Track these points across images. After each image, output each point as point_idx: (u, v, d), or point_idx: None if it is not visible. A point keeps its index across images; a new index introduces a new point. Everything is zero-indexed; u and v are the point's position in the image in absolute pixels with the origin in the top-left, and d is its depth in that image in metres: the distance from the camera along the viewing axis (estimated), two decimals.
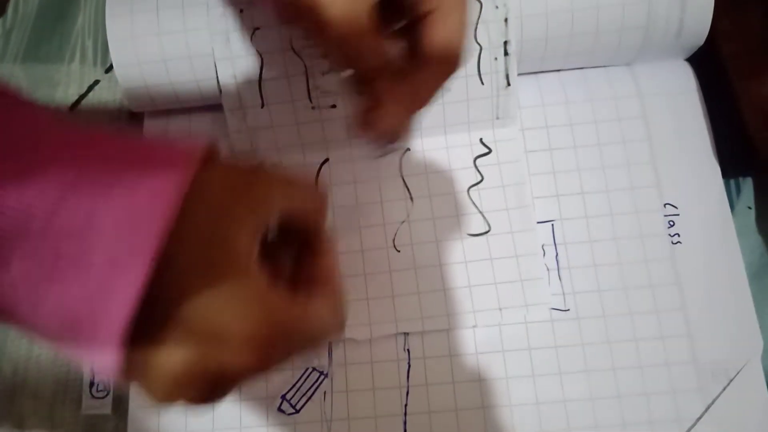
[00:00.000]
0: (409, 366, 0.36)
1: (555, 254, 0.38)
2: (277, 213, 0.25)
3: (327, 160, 0.40)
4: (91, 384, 0.37)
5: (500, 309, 0.37)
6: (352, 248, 0.38)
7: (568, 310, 0.37)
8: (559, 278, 0.37)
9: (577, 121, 0.40)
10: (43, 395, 0.37)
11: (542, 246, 0.38)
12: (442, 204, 0.39)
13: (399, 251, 0.38)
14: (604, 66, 0.41)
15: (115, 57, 0.38)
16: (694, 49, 0.40)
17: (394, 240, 0.38)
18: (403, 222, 0.39)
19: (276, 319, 0.23)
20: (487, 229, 0.38)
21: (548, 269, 0.38)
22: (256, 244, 0.23)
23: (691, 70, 0.41)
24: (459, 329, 0.37)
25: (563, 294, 0.37)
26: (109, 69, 0.43)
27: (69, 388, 0.37)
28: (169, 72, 0.38)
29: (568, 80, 0.40)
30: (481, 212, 0.38)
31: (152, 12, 0.38)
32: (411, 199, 0.39)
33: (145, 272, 0.20)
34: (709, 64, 0.40)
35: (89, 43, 0.44)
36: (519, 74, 0.39)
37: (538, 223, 0.38)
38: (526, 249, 0.38)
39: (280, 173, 0.26)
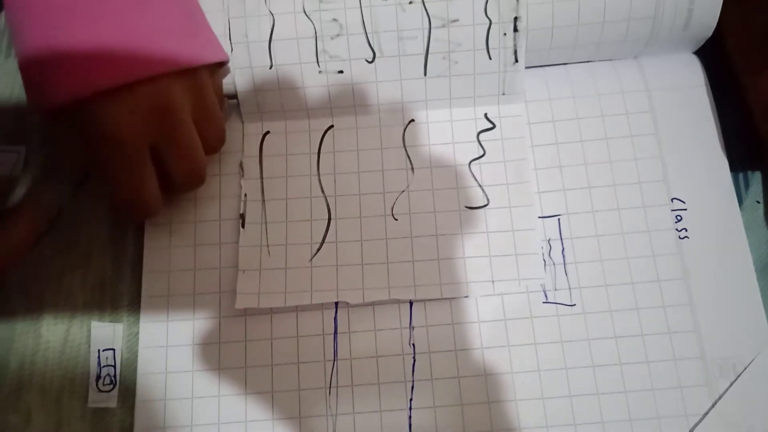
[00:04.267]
0: (414, 360, 0.36)
1: (561, 249, 0.38)
2: None
3: (331, 126, 0.40)
4: (98, 378, 0.37)
5: (493, 282, 0.37)
6: (350, 214, 0.38)
7: (575, 305, 0.37)
8: (566, 273, 0.37)
9: (584, 115, 0.39)
10: (50, 389, 0.37)
11: (548, 240, 0.38)
12: (443, 176, 0.39)
13: (396, 219, 0.38)
14: (611, 59, 0.40)
15: None
16: (702, 42, 0.39)
17: (392, 208, 0.38)
18: (403, 191, 0.39)
19: None
20: (485, 202, 0.38)
21: (554, 264, 0.37)
22: None
23: (699, 63, 0.40)
24: (455, 305, 0.37)
25: (569, 289, 0.37)
26: None
27: (75, 382, 0.37)
28: None
29: (575, 74, 0.40)
30: (480, 186, 0.39)
31: None
32: (412, 169, 0.39)
33: None
34: (717, 57, 0.40)
35: None
36: (526, 68, 0.39)
37: (545, 217, 0.38)
38: (523, 224, 0.38)
39: None
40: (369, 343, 0.37)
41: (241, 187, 0.39)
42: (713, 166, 0.38)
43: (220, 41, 0.38)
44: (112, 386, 0.37)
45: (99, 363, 0.37)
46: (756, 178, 0.39)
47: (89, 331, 0.38)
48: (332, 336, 0.37)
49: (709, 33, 0.38)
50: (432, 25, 0.37)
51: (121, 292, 0.39)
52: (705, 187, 0.38)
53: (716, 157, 0.39)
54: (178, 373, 0.37)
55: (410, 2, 0.37)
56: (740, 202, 0.38)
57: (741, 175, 0.39)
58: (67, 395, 0.37)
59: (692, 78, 0.40)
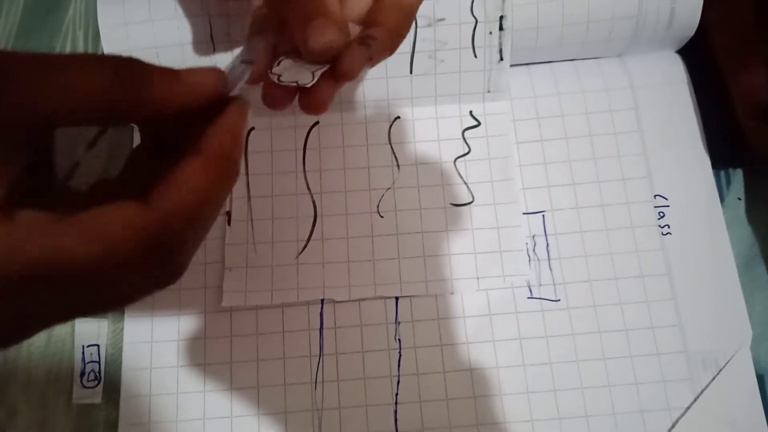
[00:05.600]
0: (400, 355, 0.36)
1: (546, 245, 0.38)
2: (33, 110, 0.19)
3: (317, 123, 0.40)
4: (82, 373, 0.37)
5: (478, 278, 0.37)
6: (336, 211, 0.39)
7: (559, 300, 0.37)
8: (550, 269, 0.38)
9: (569, 112, 0.40)
10: (35, 385, 0.37)
11: (533, 237, 0.38)
12: (428, 173, 0.39)
13: (382, 217, 0.38)
14: (595, 58, 0.41)
15: (106, 44, 0.37)
16: (685, 41, 0.40)
17: (378, 206, 0.39)
18: (389, 189, 0.39)
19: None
20: (470, 199, 0.39)
21: (539, 260, 0.38)
22: None
23: (681, 61, 0.41)
24: (440, 300, 0.37)
25: (554, 284, 0.37)
26: None
27: (60, 378, 0.37)
28: (161, 59, 0.38)
29: (560, 72, 0.41)
30: (465, 183, 0.39)
31: (144, 0, 0.38)
32: (398, 166, 0.39)
33: None
34: (699, 55, 0.40)
35: (80, 34, 0.44)
36: (511, 65, 0.39)
37: (530, 213, 0.38)
38: (508, 221, 0.38)
39: (9, 55, 0.19)
40: (355, 338, 0.37)
41: None
42: (696, 163, 0.39)
43: (203, 40, 0.37)
44: (96, 382, 0.37)
45: (84, 359, 0.37)
46: (737, 175, 0.39)
47: (74, 326, 0.38)
48: (318, 331, 0.37)
49: (692, 32, 0.39)
50: (418, 24, 0.37)
51: None
52: (687, 184, 0.39)
53: (699, 155, 0.39)
54: (163, 369, 0.37)
55: None
56: (722, 199, 0.39)
57: (723, 173, 0.39)
58: (52, 391, 0.37)
59: (675, 76, 0.40)
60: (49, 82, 0.19)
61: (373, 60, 0.27)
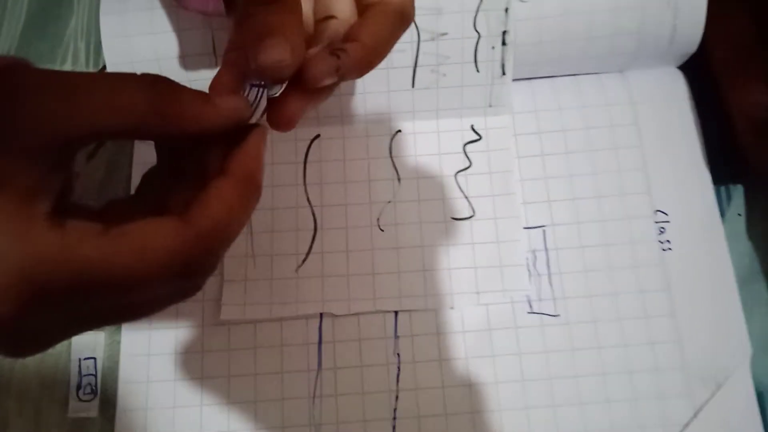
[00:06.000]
0: (399, 370, 0.36)
1: (546, 259, 0.38)
2: (74, 125, 0.20)
3: (318, 136, 0.40)
4: (78, 386, 0.36)
5: (478, 293, 0.37)
6: (336, 225, 0.38)
7: (558, 315, 0.37)
8: (550, 283, 0.37)
9: (570, 127, 0.40)
10: (29, 397, 0.36)
11: (533, 251, 0.38)
12: (429, 187, 0.39)
13: (383, 230, 0.38)
14: (596, 73, 0.41)
15: (108, 56, 0.37)
16: (687, 57, 0.40)
17: (378, 219, 0.38)
18: (389, 202, 0.39)
19: (41, 261, 0.19)
20: (471, 214, 0.38)
21: (539, 274, 0.38)
22: (21, 168, 0.19)
23: (682, 77, 0.41)
24: (440, 315, 0.37)
25: (553, 299, 0.37)
26: (102, 70, 0.43)
27: (55, 391, 0.37)
28: (162, 71, 0.38)
29: (561, 86, 0.41)
30: (466, 197, 0.39)
31: (146, 11, 0.38)
32: (398, 179, 0.39)
33: None
34: (700, 71, 0.40)
35: (82, 45, 0.44)
36: (513, 80, 0.39)
37: (530, 228, 0.38)
38: (508, 235, 0.38)
39: (54, 75, 0.20)
40: (353, 352, 0.37)
41: None
42: (696, 178, 0.39)
43: (205, 53, 0.37)
44: (92, 395, 0.36)
45: (80, 372, 0.37)
46: (738, 191, 0.40)
47: (70, 339, 0.37)
48: (316, 345, 0.37)
49: (694, 48, 0.39)
50: (421, 39, 0.37)
51: None
52: (688, 199, 0.39)
53: (699, 170, 0.39)
54: (160, 383, 0.36)
55: None
56: (722, 214, 0.39)
57: (723, 189, 0.39)
58: (47, 404, 0.36)
59: (676, 92, 0.40)
60: (92, 101, 0.20)
61: (341, 73, 0.26)
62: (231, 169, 0.23)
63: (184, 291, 0.24)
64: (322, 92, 0.27)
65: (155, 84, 0.21)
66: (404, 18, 0.28)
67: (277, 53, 0.23)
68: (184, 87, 0.22)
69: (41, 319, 0.20)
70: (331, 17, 0.27)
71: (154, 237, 0.21)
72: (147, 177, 0.26)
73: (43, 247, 0.19)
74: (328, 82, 0.25)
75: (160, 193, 0.24)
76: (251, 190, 0.24)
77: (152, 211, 0.22)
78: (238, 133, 0.24)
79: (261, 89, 0.25)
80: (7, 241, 0.19)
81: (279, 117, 0.26)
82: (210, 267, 0.23)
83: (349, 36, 0.27)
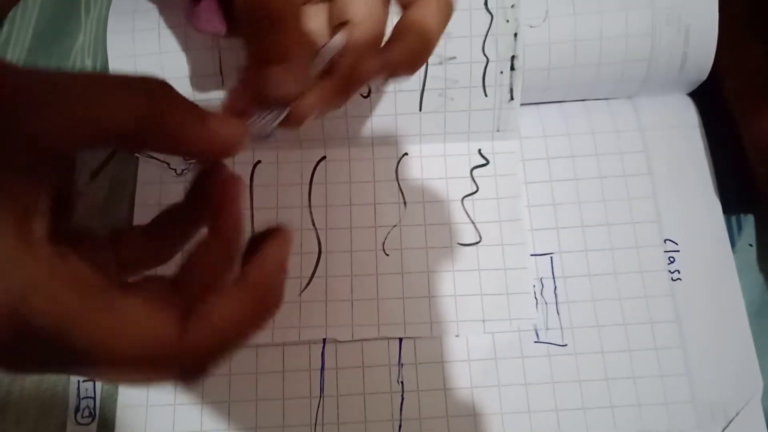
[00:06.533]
0: (403, 399, 0.36)
1: (554, 288, 0.37)
2: (63, 129, 0.18)
3: (324, 157, 0.40)
4: (77, 409, 0.36)
5: (484, 321, 0.36)
6: (341, 248, 0.38)
7: (566, 345, 0.36)
8: (557, 312, 0.37)
9: (579, 153, 0.39)
10: (27, 419, 0.36)
11: (541, 279, 0.37)
12: (435, 211, 0.39)
13: (388, 255, 0.38)
14: (606, 99, 0.40)
15: None
16: (697, 84, 0.40)
17: (384, 243, 0.38)
18: (395, 226, 0.38)
19: (32, 299, 0.17)
20: (478, 239, 0.38)
21: (546, 303, 0.37)
22: (12, 176, 0.17)
23: (693, 104, 0.40)
24: (445, 342, 0.36)
25: (561, 328, 0.37)
26: None
27: (53, 414, 0.36)
28: None
29: (570, 112, 0.40)
30: (473, 222, 0.38)
31: (154, 30, 0.37)
32: (404, 203, 0.39)
33: None
34: (711, 99, 0.40)
35: (89, 62, 0.44)
36: (521, 104, 0.39)
37: (537, 255, 0.38)
38: (515, 262, 0.37)
39: (42, 77, 0.18)
40: (356, 379, 0.36)
41: None
42: (706, 208, 0.38)
43: (212, 73, 0.37)
44: (91, 419, 0.36)
45: (78, 394, 0.36)
46: (749, 221, 0.39)
47: None
48: (319, 372, 0.36)
49: (704, 76, 0.38)
50: (429, 62, 0.37)
51: None
52: (698, 228, 0.38)
53: (709, 199, 0.38)
54: (160, 407, 0.36)
55: None
56: (733, 245, 0.38)
57: (734, 218, 0.39)
58: (44, 427, 0.36)
59: (686, 119, 0.40)
60: (86, 108, 0.18)
61: (390, 70, 0.26)
62: (247, 275, 0.21)
63: (179, 383, 0.21)
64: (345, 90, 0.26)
65: (152, 93, 0.20)
66: (449, 6, 0.27)
67: (280, 85, 0.23)
68: (183, 101, 0.21)
69: (33, 349, 0.18)
70: (345, 23, 0.26)
71: (151, 332, 0.19)
72: (167, 211, 0.24)
73: (37, 283, 0.17)
74: (373, 79, 0.25)
75: (174, 227, 0.23)
76: (268, 303, 0.21)
77: (159, 251, 0.21)
78: (260, 235, 0.22)
79: (272, 111, 0.25)
80: (5, 268, 0.17)
81: (296, 112, 0.25)
82: (202, 373, 0.20)
83: (396, 31, 0.26)
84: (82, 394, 0.36)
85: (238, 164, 0.39)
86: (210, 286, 0.21)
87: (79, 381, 0.36)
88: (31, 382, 0.37)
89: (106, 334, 0.18)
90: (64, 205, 0.20)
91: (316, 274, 0.37)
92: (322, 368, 0.36)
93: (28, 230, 0.17)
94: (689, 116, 0.40)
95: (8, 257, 0.17)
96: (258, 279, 0.21)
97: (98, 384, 0.36)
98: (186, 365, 0.19)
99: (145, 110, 0.19)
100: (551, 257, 0.38)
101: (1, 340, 0.17)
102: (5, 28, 0.45)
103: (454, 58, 0.37)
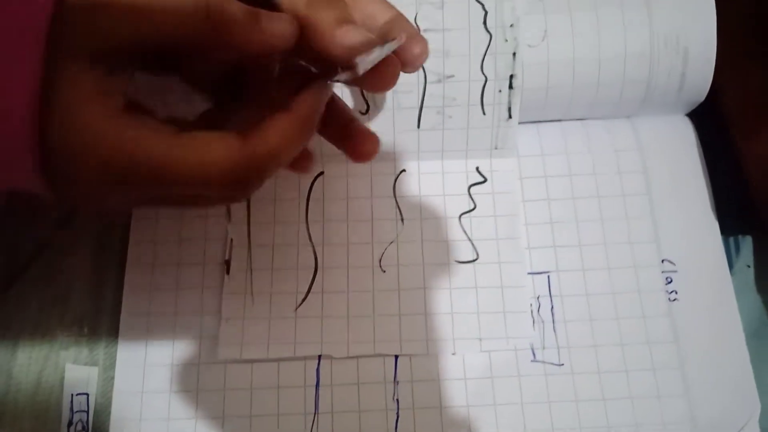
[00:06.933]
0: (398, 417, 0.35)
1: (551, 306, 0.37)
2: (136, 33, 0.23)
3: (322, 173, 0.40)
4: (69, 423, 0.36)
5: (480, 339, 0.36)
6: (337, 264, 0.38)
7: (563, 364, 0.36)
8: (554, 331, 0.37)
9: (577, 172, 0.39)
10: None
11: (538, 297, 0.37)
12: (432, 228, 0.39)
13: (384, 272, 0.38)
14: (604, 118, 0.40)
15: None
16: (695, 105, 0.40)
17: (380, 260, 0.38)
18: (392, 242, 0.38)
19: (120, 151, 0.23)
20: (475, 257, 0.38)
21: (543, 321, 0.37)
22: (98, 69, 0.22)
23: (691, 125, 0.41)
24: (441, 360, 0.36)
25: (558, 348, 0.36)
26: None
27: (47, 427, 0.36)
28: None
29: (569, 131, 0.40)
30: (470, 240, 0.38)
31: None
32: (402, 220, 0.39)
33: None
34: (709, 119, 0.40)
35: None
36: (520, 123, 0.39)
37: (534, 274, 0.38)
38: (513, 281, 0.37)
39: None
40: (351, 396, 0.36)
41: (227, 231, 0.38)
42: (704, 228, 0.38)
43: None
44: None
45: (72, 408, 0.36)
46: (747, 242, 0.39)
47: (63, 374, 0.37)
48: (314, 388, 0.36)
49: (702, 97, 0.39)
50: (427, 80, 0.37)
51: (99, 334, 0.38)
52: (696, 249, 0.38)
53: (707, 220, 0.38)
54: (153, 421, 0.35)
55: None
56: (731, 266, 0.38)
57: (732, 239, 0.39)
58: None
59: (685, 139, 0.40)
60: (151, 17, 0.23)
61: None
62: (293, 107, 0.26)
63: (231, 197, 0.29)
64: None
65: (208, 8, 0.23)
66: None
67: (355, 36, 0.26)
68: (237, 13, 0.24)
69: (118, 195, 0.25)
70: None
71: (217, 149, 0.24)
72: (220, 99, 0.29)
73: (121, 140, 0.23)
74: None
75: (223, 108, 0.28)
76: (307, 128, 0.27)
77: (214, 122, 0.26)
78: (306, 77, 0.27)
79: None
80: (90, 133, 0.22)
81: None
82: (257, 185, 0.26)
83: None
84: (76, 408, 0.36)
85: None
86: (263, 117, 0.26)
87: (72, 394, 0.36)
88: (25, 394, 0.36)
89: (186, 157, 0.23)
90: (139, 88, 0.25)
91: (312, 290, 0.37)
92: (317, 384, 0.36)
93: (111, 102, 0.23)
94: (688, 136, 0.40)
95: (100, 121, 0.22)
96: (303, 110, 0.26)
97: (92, 397, 0.36)
98: (249, 171, 0.25)
99: (201, 26, 0.23)
100: (548, 276, 0.38)
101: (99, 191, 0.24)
102: None
103: (453, 76, 0.37)
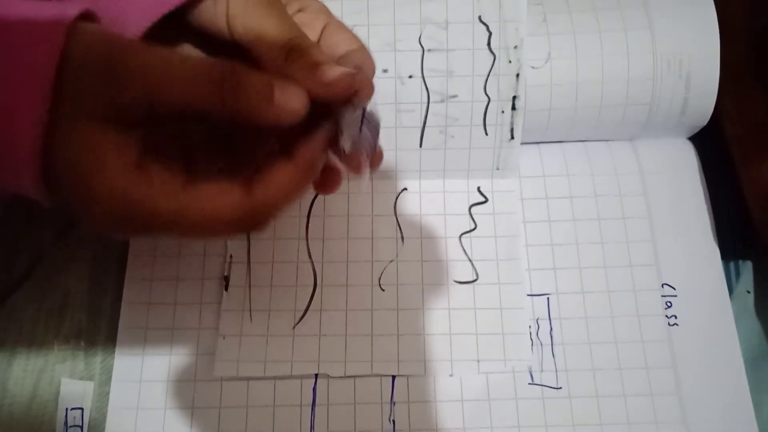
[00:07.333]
0: None
1: (549, 329, 0.37)
2: (148, 99, 0.23)
3: None
4: None
5: (478, 361, 0.36)
6: (336, 282, 0.38)
7: (561, 388, 0.36)
8: (553, 354, 0.36)
9: (577, 194, 0.39)
10: None
11: (537, 319, 0.37)
12: (433, 247, 0.38)
13: (383, 290, 0.38)
14: (606, 140, 0.40)
15: None
16: (697, 129, 0.40)
17: (380, 278, 0.38)
18: (392, 261, 0.38)
19: (130, 202, 0.23)
20: (474, 277, 0.38)
21: (542, 344, 0.37)
22: (112, 128, 0.23)
23: (693, 149, 0.40)
24: (438, 381, 0.36)
25: (556, 371, 0.36)
26: None
27: None
28: None
29: (571, 152, 0.40)
30: (470, 260, 0.38)
31: None
32: (402, 238, 0.39)
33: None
34: (711, 143, 0.40)
35: None
36: (521, 143, 0.39)
37: (534, 295, 0.38)
38: (512, 302, 0.37)
39: (157, 52, 0.24)
40: (348, 416, 0.35)
41: (226, 247, 0.38)
42: (705, 253, 0.38)
43: None
44: None
45: (66, 422, 0.36)
46: (747, 267, 0.39)
47: (59, 388, 0.36)
48: (310, 407, 0.36)
49: (705, 121, 0.39)
50: (431, 100, 0.37)
51: (96, 347, 0.37)
52: (696, 273, 0.38)
53: (708, 245, 0.38)
54: None
55: (410, 76, 0.37)
56: (731, 291, 0.38)
57: (732, 264, 0.39)
58: None
59: (686, 163, 0.40)
60: (171, 81, 0.23)
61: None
62: (294, 155, 0.26)
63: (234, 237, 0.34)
64: None
65: (223, 81, 0.24)
66: None
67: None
68: (252, 85, 0.24)
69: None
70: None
71: (221, 203, 0.25)
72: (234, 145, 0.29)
73: (130, 195, 0.23)
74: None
75: (238, 147, 0.29)
76: (308, 175, 0.27)
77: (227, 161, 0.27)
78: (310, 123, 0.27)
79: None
80: (97, 188, 0.23)
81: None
82: (260, 230, 0.27)
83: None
84: (70, 422, 0.36)
85: None
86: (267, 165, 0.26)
87: (67, 408, 0.36)
88: (20, 407, 0.36)
89: (191, 211, 0.24)
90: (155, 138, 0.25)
91: (310, 308, 0.37)
92: (313, 404, 0.36)
93: (125, 159, 0.24)
94: (689, 160, 0.40)
95: (113, 179, 0.23)
96: (304, 159, 0.26)
97: (87, 411, 0.36)
98: (252, 219, 0.26)
99: (213, 97, 0.24)
100: (548, 298, 0.38)
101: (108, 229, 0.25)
102: None
103: (456, 96, 0.37)
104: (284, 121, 0.25)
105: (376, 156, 0.31)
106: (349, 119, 0.27)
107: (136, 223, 0.24)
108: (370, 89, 0.28)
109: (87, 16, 0.24)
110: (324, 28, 0.29)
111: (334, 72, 0.26)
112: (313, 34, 0.29)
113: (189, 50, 0.29)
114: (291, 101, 0.25)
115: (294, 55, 0.26)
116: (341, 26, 0.30)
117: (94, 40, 0.23)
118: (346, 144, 0.27)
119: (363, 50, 0.29)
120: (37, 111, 0.22)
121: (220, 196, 0.25)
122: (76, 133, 0.23)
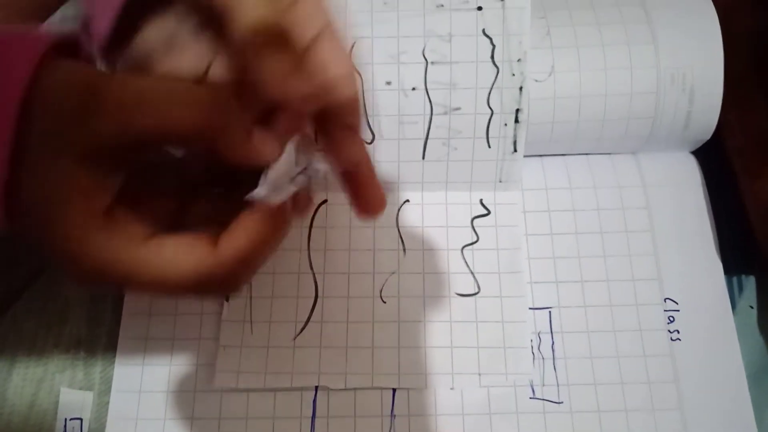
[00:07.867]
0: None
1: (551, 343, 0.37)
2: (128, 133, 0.22)
3: (325, 201, 0.40)
4: None
5: (480, 374, 0.36)
6: (338, 293, 0.38)
7: (562, 402, 0.36)
8: (554, 368, 0.36)
9: (580, 207, 0.39)
10: None
11: (538, 333, 0.37)
12: (435, 260, 0.38)
13: (385, 302, 0.37)
14: (609, 153, 0.40)
15: None
16: (701, 143, 0.40)
17: (381, 290, 0.38)
18: (393, 273, 0.38)
19: (86, 251, 0.23)
20: (476, 290, 0.38)
21: (543, 358, 0.36)
22: (83, 169, 0.22)
23: (696, 163, 0.40)
24: (439, 395, 0.36)
25: (557, 385, 0.36)
26: None
27: None
28: None
29: (573, 165, 0.40)
30: (472, 273, 0.38)
31: None
32: (404, 250, 0.38)
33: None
34: (714, 158, 0.40)
35: None
36: (524, 156, 0.39)
37: (536, 309, 0.37)
38: (514, 315, 0.37)
39: (135, 81, 0.23)
40: (347, 429, 0.35)
41: None
42: (707, 267, 0.38)
43: None
44: None
45: None
46: (750, 282, 0.39)
47: (58, 397, 0.36)
48: (310, 420, 0.35)
49: (708, 135, 0.39)
50: (434, 112, 0.37)
51: (96, 357, 0.37)
52: (699, 288, 0.38)
53: (711, 259, 0.38)
54: None
55: (413, 89, 0.37)
56: (733, 306, 0.38)
57: (735, 279, 0.39)
58: None
59: (689, 177, 0.40)
60: (147, 118, 0.22)
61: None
62: (260, 207, 0.25)
63: (208, 298, 0.31)
64: None
65: (211, 112, 0.23)
66: None
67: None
68: (236, 120, 0.23)
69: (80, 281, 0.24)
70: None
71: (183, 259, 0.24)
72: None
73: (87, 243, 0.23)
74: None
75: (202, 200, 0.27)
76: (278, 227, 0.25)
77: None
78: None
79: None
80: (62, 231, 0.22)
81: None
82: (231, 289, 0.27)
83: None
84: None
85: None
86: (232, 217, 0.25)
87: (66, 419, 0.36)
88: (18, 416, 0.36)
89: (149, 267, 0.23)
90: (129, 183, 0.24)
91: (311, 319, 0.37)
92: (313, 416, 0.35)
93: (92, 206, 0.23)
94: (692, 174, 0.40)
95: (74, 225, 0.22)
96: (269, 207, 0.25)
97: (86, 422, 0.36)
98: (221, 280, 0.24)
99: (200, 126, 0.23)
100: (550, 311, 0.37)
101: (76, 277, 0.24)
102: None
103: (459, 108, 0.37)
104: (254, 162, 0.24)
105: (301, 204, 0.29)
106: (282, 168, 0.25)
107: (90, 274, 0.23)
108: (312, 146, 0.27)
109: (63, 44, 0.23)
110: (316, 38, 0.25)
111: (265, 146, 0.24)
112: (300, 40, 0.25)
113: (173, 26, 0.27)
114: (267, 149, 0.24)
115: (267, 49, 0.24)
116: (334, 41, 0.26)
117: (67, 72, 0.22)
118: (260, 193, 0.25)
119: (350, 76, 0.26)
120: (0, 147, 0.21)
121: (182, 254, 0.24)
122: (42, 171, 0.22)
